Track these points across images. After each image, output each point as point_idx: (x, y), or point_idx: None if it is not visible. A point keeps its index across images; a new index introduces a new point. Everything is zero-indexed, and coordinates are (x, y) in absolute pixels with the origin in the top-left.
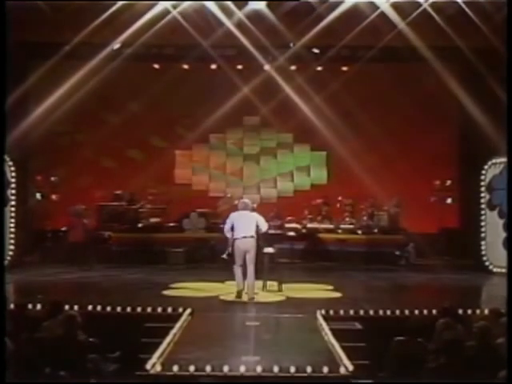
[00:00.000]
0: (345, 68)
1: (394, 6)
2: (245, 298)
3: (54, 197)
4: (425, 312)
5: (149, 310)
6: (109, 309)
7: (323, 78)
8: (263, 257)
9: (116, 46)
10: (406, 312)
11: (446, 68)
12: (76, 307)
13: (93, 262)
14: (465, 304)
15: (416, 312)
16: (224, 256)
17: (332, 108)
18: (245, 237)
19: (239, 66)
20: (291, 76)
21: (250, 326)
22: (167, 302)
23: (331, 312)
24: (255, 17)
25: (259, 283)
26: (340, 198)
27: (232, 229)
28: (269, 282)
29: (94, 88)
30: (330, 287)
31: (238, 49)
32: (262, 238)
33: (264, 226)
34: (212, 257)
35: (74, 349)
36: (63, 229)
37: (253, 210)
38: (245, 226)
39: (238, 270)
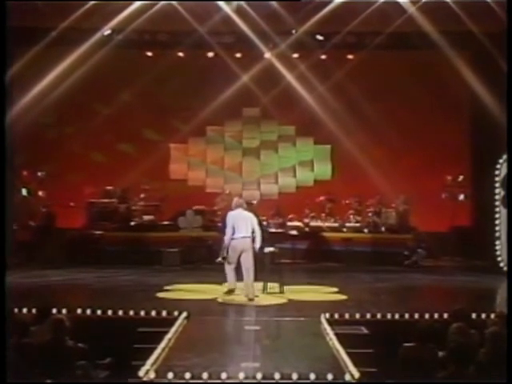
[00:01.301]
0: (351, 56)
1: None
2: (242, 298)
3: (40, 193)
4: (436, 316)
5: (142, 313)
6: (99, 312)
7: (328, 67)
8: (264, 257)
9: (106, 31)
10: (416, 316)
11: (457, 55)
12: (64, 311)
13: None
14: (479, 308)
15: (426, 316)
16: (219, 260)
17: (337, 99)
18: (244, 237)
19: (238, 54)
20: (293, 64)
21: (249, 331)
22: (162, 304)
23: (336, 315)
24: (255, 1)
25: (259, 285)
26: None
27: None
28: (269, 284)
29: (83, 77)
30: (335, 289)
31: (236, 35)
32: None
33: (257, 231)
34: (209, 257)
35: (62, 355)
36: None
37: (247, 207)
38: (243, 226)
39: (230, 271)
